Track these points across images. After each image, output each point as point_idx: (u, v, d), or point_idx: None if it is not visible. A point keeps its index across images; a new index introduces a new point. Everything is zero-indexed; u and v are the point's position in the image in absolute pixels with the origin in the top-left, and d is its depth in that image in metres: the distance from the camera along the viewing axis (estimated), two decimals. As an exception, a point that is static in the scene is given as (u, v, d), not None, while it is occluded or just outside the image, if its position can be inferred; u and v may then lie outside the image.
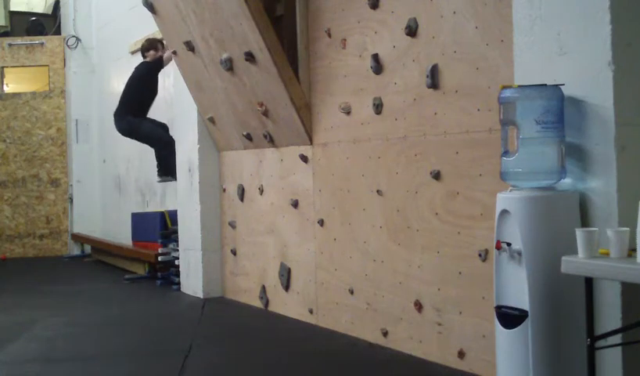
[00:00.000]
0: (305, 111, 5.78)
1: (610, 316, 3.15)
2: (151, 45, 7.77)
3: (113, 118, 7.93)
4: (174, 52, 7.01)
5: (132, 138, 8.07)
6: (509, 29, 3.74)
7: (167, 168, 7.81)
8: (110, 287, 8.35)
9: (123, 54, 10.29)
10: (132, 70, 8.01)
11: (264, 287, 6.48)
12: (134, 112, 7.74)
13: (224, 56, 6.22)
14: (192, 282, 7.32)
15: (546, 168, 3.32)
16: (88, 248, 11.33)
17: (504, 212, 3.35)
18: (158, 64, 7.73)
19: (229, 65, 6.21)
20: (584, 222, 3.26)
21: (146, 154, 9.63)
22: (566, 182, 3.36)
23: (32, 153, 11.60)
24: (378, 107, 5.01)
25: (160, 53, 7.69)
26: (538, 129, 3.28)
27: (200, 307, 6.74)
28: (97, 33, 11.62)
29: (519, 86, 3.39)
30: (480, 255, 4.18)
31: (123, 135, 8.03)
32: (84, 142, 11.68)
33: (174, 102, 7.74)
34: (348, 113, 5.33)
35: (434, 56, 4.49)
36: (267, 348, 5.25)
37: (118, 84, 10.77)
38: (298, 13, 5.79)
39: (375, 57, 4.99)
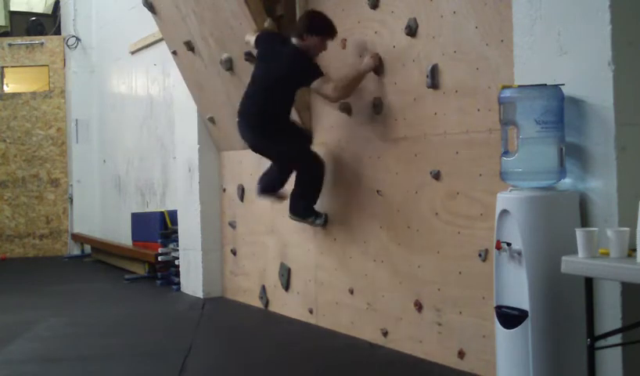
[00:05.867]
0: (305, 111, 5.77)
1: (610, 316, 3.15)
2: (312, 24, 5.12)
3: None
4: (174, 52, 7.01)
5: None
6: (509, 29, 3.74)
7: (294, 204, 5.47)
8: (110, 287, 8.35)
9: (123, 54, 10.28)
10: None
11: (264, 287, 6.47)
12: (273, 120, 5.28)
13: (224, 56, 6.22)
14: (192, 282, 7.32)
15: (546, 168, 3.32)
16: (88, 248, 11.33)
17: (504, 212, 3.35)
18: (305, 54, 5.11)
19: (229, 65, 6.21)
20: (584, 222, 3.26)
21: (146, 154, 9.64)
22: (566, 182, 3.36)
23: (32, 153, 11.60)
24: (378, 107, 5.01)
25: (324, 40, 5.10)
26: (538, 129, 3.27)
27: (200, 307, 6.73)
28: (97, 33, 11.62)
29: (519, 86, 3.39)
30: (480, 255, 4.18)
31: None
32: (84, 142, 11.68)
33: (174, 102, 7.74)
34: (348, 113, 5.32)
35: (434, 56, 4.49)
36: (267, 348, 5.25)
37: (118, 84, 10.78)
38: (298, 13, 5.78)
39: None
